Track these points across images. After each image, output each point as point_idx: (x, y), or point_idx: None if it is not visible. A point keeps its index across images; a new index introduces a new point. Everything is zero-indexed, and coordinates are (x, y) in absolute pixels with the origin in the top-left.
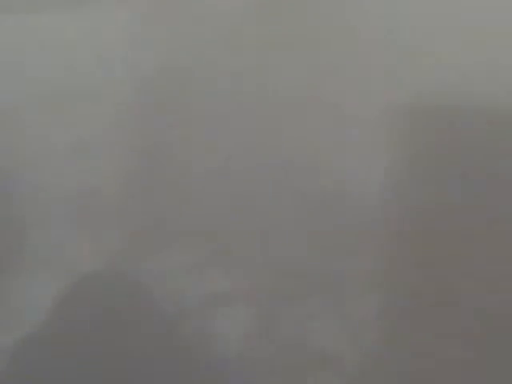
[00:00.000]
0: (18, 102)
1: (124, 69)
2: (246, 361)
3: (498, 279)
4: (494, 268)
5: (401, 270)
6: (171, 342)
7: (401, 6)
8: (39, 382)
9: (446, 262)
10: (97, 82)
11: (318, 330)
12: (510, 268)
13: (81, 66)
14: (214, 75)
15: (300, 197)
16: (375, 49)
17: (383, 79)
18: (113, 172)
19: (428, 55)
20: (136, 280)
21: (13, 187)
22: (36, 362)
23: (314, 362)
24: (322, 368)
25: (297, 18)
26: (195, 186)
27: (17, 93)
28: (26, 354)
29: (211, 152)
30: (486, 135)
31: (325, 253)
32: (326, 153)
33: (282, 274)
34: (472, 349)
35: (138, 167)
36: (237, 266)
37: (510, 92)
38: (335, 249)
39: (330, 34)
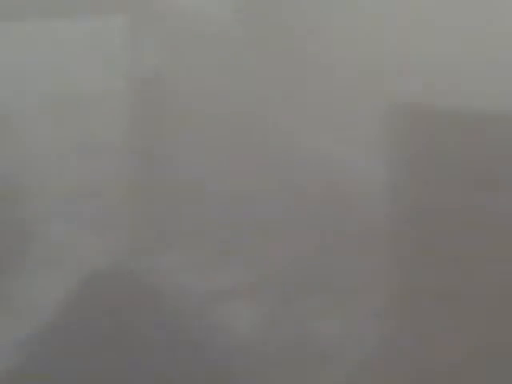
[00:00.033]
0: (18, 104)
1: (123, 71)
2: (246, 360)
3: (498, 279)
4: (494, 268)
5: (401, 269)
6: (172, 339)
7: (401, 6)
8: (43, 383)
9: (445, 262)
10: (97, 85)
11: (318, 330)
12: (510, 268)
13: (81, 69)
14: (214, 75)
15: (300, 197)
16: (375, 49)
17: (383, 79)
18: (113, 173)
19: (428, 55)
20: (137, 279)
21: (13, 188)
22: (39, 362)
23: (314, 361)
24: (322, 368)
25: (296, 18)
26: (195, 186)
27: (18, 94)
28: (28, 354)
29: (211, 152)
30: (485, 135)
31: (325, 253)
32: (326, 153)
33: (282, 273)
34: (472, 348)
35: (138, 168)
36: (237, 265)
37: (510, 92)
38: (335, 249)
39: (330, 34)
